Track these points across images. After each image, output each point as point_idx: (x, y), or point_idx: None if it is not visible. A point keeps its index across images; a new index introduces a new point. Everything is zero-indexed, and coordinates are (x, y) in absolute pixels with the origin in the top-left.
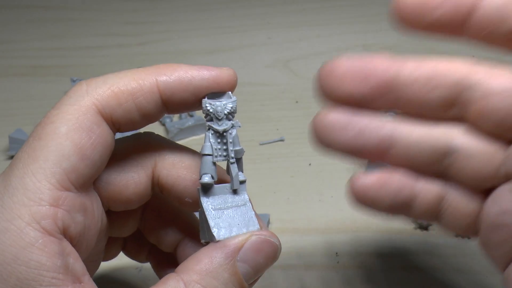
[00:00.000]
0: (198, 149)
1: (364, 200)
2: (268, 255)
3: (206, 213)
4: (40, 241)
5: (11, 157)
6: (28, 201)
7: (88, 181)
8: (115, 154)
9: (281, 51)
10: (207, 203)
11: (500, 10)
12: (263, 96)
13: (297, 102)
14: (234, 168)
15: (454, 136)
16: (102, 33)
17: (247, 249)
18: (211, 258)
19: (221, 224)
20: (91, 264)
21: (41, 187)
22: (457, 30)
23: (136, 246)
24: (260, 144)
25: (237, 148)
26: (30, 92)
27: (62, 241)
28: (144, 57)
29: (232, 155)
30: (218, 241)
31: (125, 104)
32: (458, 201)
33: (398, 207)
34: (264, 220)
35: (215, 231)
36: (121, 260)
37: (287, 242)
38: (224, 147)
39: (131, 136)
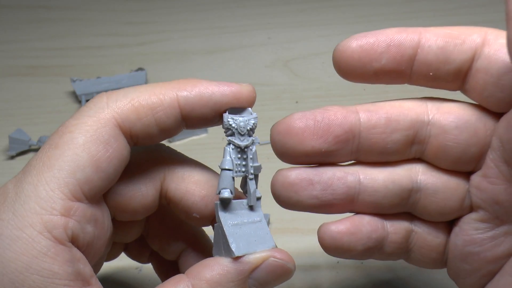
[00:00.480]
0: (198, 150)
1: (337, 248)
2: (279, 278)
3: (225, 228)
4: (52, 250)
5: (11, 157)
6: (40, 209)
7: (100, 193)
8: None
9: (281, 51)
10: (225, 218)
11: (442, 50)
12: (263, 96)
13: (297, 102)
14: (252, 184)
15: (416, 175)
16: (102, 33)
17: (262, 269)
18: (225, 271)
19: (239, 240)
20: (93, 266)
21: (54, 196)
22: (402, 75)
23: (138, 248)
24: (260, 144)
25: (256, 164)
26: (30, 92)
27: (72, 249)
28: (144, 57)
29: (252, 171)
30: (237, 257)
31: (144, 119)
32: (425, 235)
33: (370, 250)
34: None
35: (233, 247)
36: (122, 260)
37: (287, 242)
38: (243, 162)
39: (141, 148)
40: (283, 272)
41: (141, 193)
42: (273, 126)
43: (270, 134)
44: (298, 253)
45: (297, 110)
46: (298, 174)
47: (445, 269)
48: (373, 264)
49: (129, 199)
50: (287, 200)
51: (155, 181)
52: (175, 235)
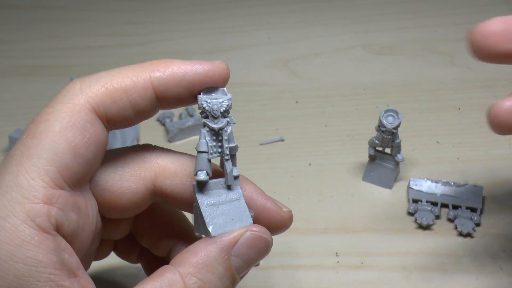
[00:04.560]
0: None
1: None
2: (260, 251)
3: (202, 208)
4: (35, 238)
5: None
6: (22, 198)
7: (82, 180)
8: (114, 163)
9: (281, 51)
10: (202, 199)
11: None
12: (263, 96)
13: (297, 102)
14: (228, 164)
15: None
16: (102, 33)
17: (241, 244)
18: (207, 252)
19: (215, 219)
20: (81, 261)
21: (35, 184)
22: None
23: (127, 247)
24: (260, 144)
25: (232, 145)
26: (30, 92)
27: (56, 238)
28: (144, 57)
29: (227, 152)
30: (214, 236)
31: (119, 102)
32: None
33: None
34: None
35: (210, 227)
36: (121, 259)
37: (287, 242)
38: (219, 144)
39: (130, 147)
40: (261, 244)
41: (131, 190)
42: (472, 29)
43: (470, 34)
44: (298, 253)
45: (297, 110)
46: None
47: (445, 270)
48: (373, 264)
49: (118, 197)
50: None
51: (145, 180)
52: (165, 231)
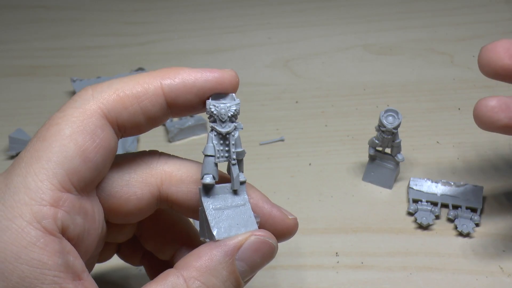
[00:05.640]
0: (198, 149)
1: (487, 119)
2: (265, 255)
3: (207, 212)
4: (41, 240)
5: (11, 157)
6: (30, 200)
7: (90, 184)
8: (120, 169)
9: (281, 51)
10: (207, 203)
11: None
12: (263, 96)
13: (297, 102)
14: (235, 169)
15: None
16: (102, 33)
17: (246, 248)
18: (211, 256)
19: (221, 224)
20: (85, 264)
21: (43, 187)
22: None
23: (130, 250)
24: (260, 144)
25: (239, 149)
26: (30, 92)
27: (62, 240)
28: (144, 57)
29: (234, 156)
30: (218, 240)
31: (130, 108)
32: None
33: None
34: None
35: (215, 231)
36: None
37: (287, 242)
38: (226, 148)
39: (136, 153)
40: (266, 248)
41: (136, 196)
42: (483, 47)
43: (480, 52)
44: (298, 253)
45: (297, 110)
46: (498, 100)
47: (445, 270)
48: (373, 264)
49: (124, 202)
50: (488, 119)
51: (151, 186)
52: (169, 235)
